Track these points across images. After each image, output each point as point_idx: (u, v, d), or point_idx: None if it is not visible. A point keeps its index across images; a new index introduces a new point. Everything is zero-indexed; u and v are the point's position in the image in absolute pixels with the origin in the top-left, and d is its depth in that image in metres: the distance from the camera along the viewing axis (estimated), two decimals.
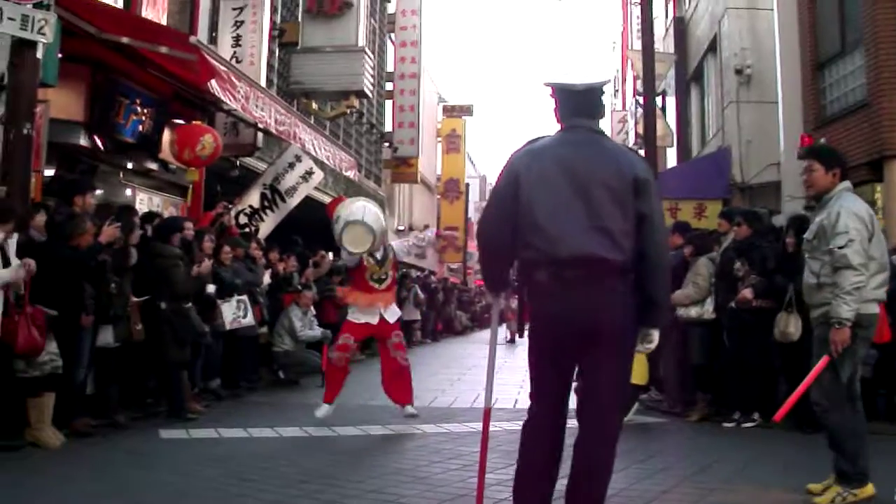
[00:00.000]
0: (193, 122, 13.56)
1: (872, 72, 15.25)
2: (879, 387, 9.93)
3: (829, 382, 6.15)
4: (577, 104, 4.70)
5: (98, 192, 9.93)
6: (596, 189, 4.44)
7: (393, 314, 10.06)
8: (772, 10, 20.16)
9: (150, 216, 11.34)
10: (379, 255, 10.02)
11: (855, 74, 16.25)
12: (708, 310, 10.35)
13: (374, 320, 9.82)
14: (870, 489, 5.99)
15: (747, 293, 9.60)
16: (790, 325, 8.97)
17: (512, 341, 27.59)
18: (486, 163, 71.65)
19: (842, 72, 16.81)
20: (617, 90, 44.36)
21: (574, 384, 4.68)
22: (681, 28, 27.75)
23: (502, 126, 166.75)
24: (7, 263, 7.55)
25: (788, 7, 18.74)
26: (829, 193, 6.40)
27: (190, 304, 10.33)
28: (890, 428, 9.53)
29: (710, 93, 25.40)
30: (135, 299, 9.47)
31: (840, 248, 6.06)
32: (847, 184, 6.42)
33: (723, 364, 10.28)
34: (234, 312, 11.85)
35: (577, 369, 4.62)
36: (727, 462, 7.76)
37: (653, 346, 4.77)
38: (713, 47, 24.16)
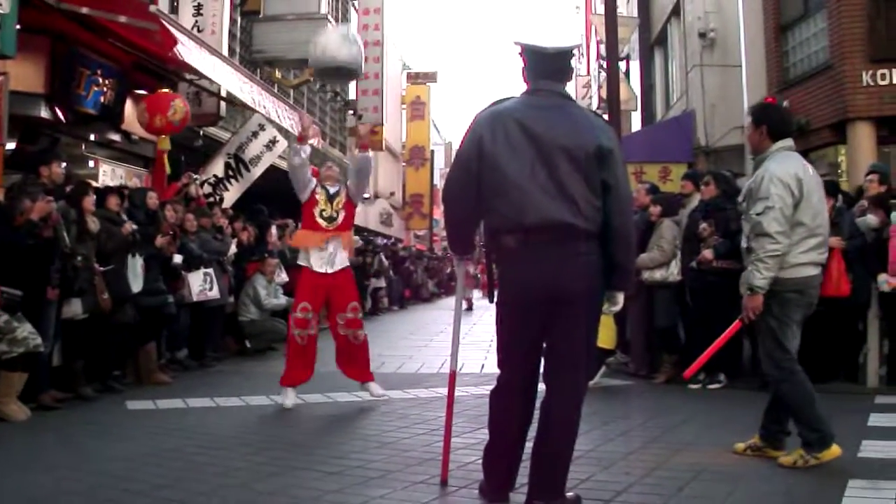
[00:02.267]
0: (160, 90, 13.47)
1: (835, 34, 15.40)
2: (841, 346, 10.02)
3: (776, 350, 6.14)
4: (546, 67, 4.72)
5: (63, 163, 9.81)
6: (559, 156, 4.46)
7: (342, 260, 9.15)
8: None
9: (121, 187, 11.31)
10: (332, 189, 9.29)
11: (818, 37, 16.38)
12: (673, 272, 10.43)
13: (328, 268, 9.00)
14: (835, 450, 5.96)
15: (707, 254, 9.68)
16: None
17: (469, 309, 27.75)
18: (451, 129, 71.57)
19: (805, 34, 16.94)
20: (581, 55, 44.32)
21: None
22: None
23: (467, 92, 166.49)
24: None
25: None
26: (763, 153, 6.35)
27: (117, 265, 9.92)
28: (853, 387, 9.66)
29: (674, 57, 25.45)
30: (99, 268, 9.42)
31: (758, 214, 6.00)
32: (784, 143, 6.31)
33: (687, 325, 10.37)
34: (201, 285, 11.83)
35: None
36: (693, 423, 7.84)
37: (618, 307, 4.87)
38: (677, 11, 24.17)
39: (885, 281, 9.36)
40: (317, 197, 9.19)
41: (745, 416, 7.30)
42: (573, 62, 4.86)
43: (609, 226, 4.51)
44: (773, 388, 6.34)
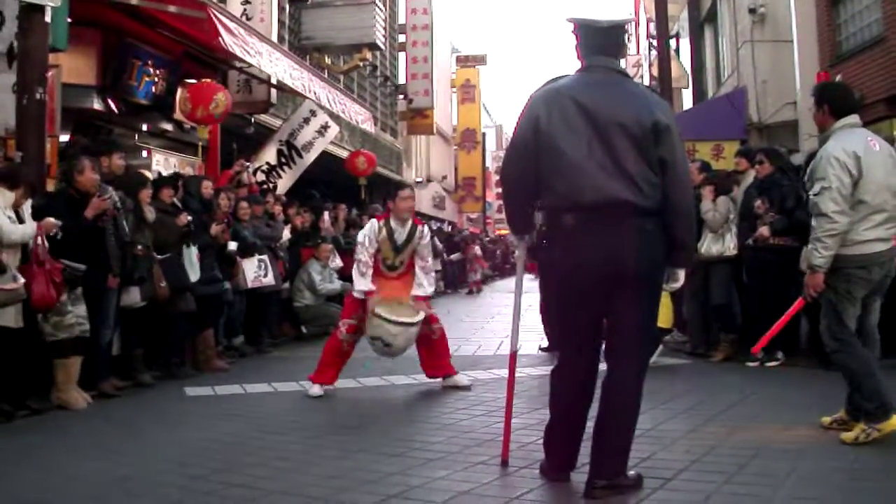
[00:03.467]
0: (204, 80, 13.51)
1: (889, 6, 15.21)
2: None
3: (834, 325, 6.13)
4: (600, 42, 4.70)
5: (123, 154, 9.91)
6: (616, 133, 4.44)
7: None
8: None
9: (175, 177, 11.38)
10: (400, 234, 8.62)
11: (870, 9, 16.18)
12: (729, 246, 10.30)
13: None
14: (894, 422, 5.90)
15: (764, 231, 9.58)
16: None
17: (471, 292, 28.42)
18: (501, 112, 71.58)
19: (857, 7, 16.74)
20: (630, 34, 44.05)
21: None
22: None
23: (517, 74, 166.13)
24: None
25: None
26: (826, 132, 6.31)
27: (174, 255, 9.94)
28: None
29: (724, 33, 25.24)
30: (157, 257, 9.48)
31: (815, 195, 6.01)
32: (846, 120, 6.23)
33: (744, 303, 10.27)
34: (256, 271, 11.87)
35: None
36: (752, 401, 7.76)
37: (679, 284, 4.87)
38: None
39: None
40: (381, 245, 8.61)
41: (804, 393, 7.26)
42: (626, 38, 4.81)
43: (668, 202, 4.48)
44: (833, 360, 6.31)
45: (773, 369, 9.54)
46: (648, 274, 4.54)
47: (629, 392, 4.59)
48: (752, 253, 9.86)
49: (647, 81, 32.08)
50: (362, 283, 8.44)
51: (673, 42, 27.88)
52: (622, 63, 4.85)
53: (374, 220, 8.79)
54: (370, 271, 8.51)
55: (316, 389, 8.46)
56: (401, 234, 8.60)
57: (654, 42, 22.13)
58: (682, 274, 4.86)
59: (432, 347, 8.76)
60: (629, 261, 4.44)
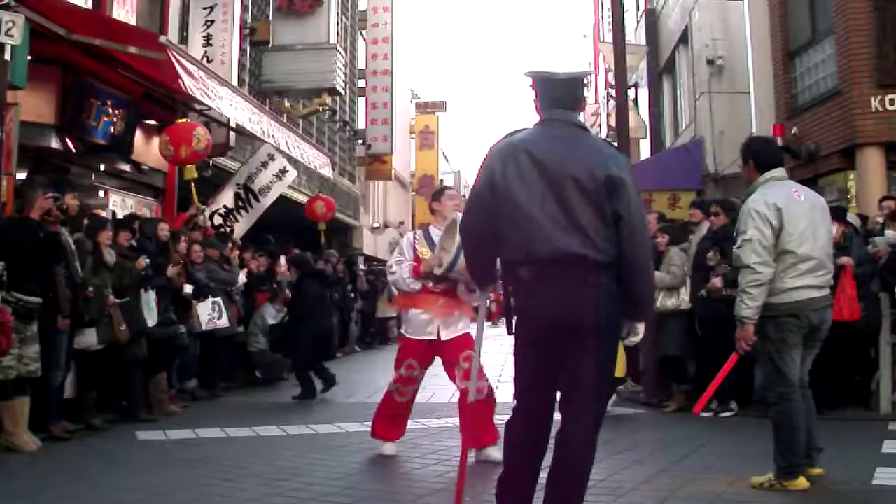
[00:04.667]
0: (179, 120, 13.48)
1: (843, 60, 15.44)
2: (854, 372, 10.01)
3: (773, 377, 6.37)
4: (557, 96, 4.71)
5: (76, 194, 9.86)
6: (569, 186, 4.44)
7: (450, 328, 7.62)
8: (742, 1, 20.30)
9: (131, 218, 11.34)
10: (436, 236, 7.55)
11: (826, 63, 16.42)
12: (684, 300, 10.40)
13: (433, 334, 7.63)
14: (802, 482, 6.10)
15: (717, 282, 9.67)
16: None
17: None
18: (460, 158, 71.26)
19: (813, 60, 16.98)
20: (589, 83, 44.46)
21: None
22: (652, 20, 27.91)
23: (476, 121, 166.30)
24: None
25: None
26: (752, 186, 6.60)
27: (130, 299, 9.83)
28: (866, 414, 9.64)
29: (683, 84, 25.56)
30: (115, 300, 9.42)
31: (737, 248, 6.30)
32: (771, 173, 6.51)
33: (698, 354, 10.34)
34: (210, 314, 11.83)
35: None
36: (705, 452, 7.82)
37: (638, 338, 4.89)
38: (684, 39, 24.32)
39: None
40: (420, 253, 7.70)
41: (757, 443, 7.27)
42: (583, 91, 4.86)
43: (624, 257, 4.48)
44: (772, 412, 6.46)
45: (727, 419, 9.61)
46: (604, 328, 4.52)
47: (583, 445, 4.56)
48: (704, 304, 9.95)
49: (605, 131, 32.37)
50: (405, 273, 7.61)
51: (631, 92, 28.12)
52: (580, 116, 4.89)
53: (408, 233, 8.24)
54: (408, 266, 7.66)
55: (387, 449, 7.74)
56: (437, 234, 7.47)
57: (613, 92, 22.35)
58: (641, 328, 4.86)
59: (473, 409, 6.88)
60: (584, 315, 4.43)
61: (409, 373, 7.73)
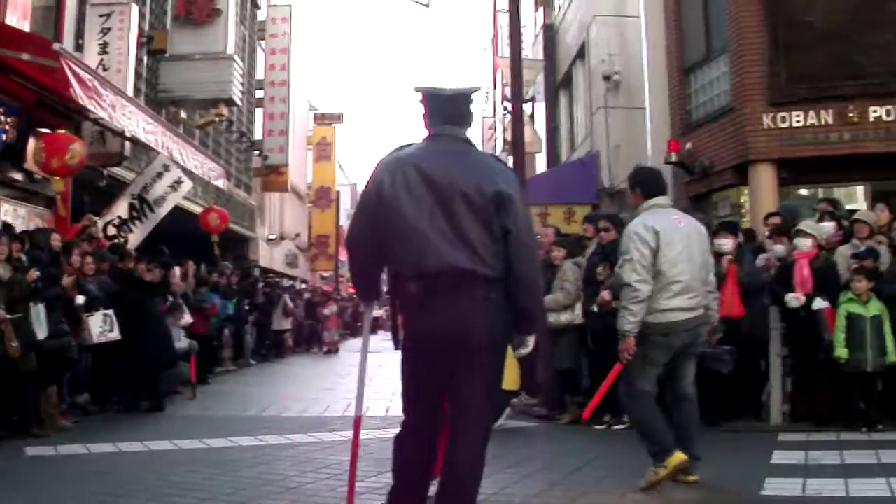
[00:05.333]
0: (59, 130, 13.28)
1: (737, 77, 15.85)
2: (746, 385, 10.25)
3: (626, 383, 6.86)
4: (446, 111, 4.77)
5: None
6: (457, 201, 4.51)
7: None
8: (639, 17, 20.65)
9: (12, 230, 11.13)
10: None
11: (720, 80, 16.82)
12: (578, 315, 10.53)
13: None
14: (678, 456, 6.46)
15: (605, 295, 9.84)
16: None
17: (330, 352, 28.31)
18: (357, 170, 71.29)
19: (707, 77, 17.37)
20: (488, 96, 44.72)
21: None
22: (550, 35, 28.21)
23: (374, 133, 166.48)
24: None
25: (655, 14, 19.28)
26: (636, 211, 7.08)
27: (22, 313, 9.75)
28: (757, 425, 9.89)
29: (579, 99, 25.88)
30: (6, 316, 9.24)
31: (619, 267, 6.75)
32: (654, 201, 6.96)
33: (591, 367, 10.48)
34: (101, 326, 11.63)
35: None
36: (597, 464, 7.91)
37: (527, 351, 4.99)
38: (582, 54, 24.64)
39: (794, 298, 9.75)
40: None
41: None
42: (473, 106, 4.91)
43: (512, 271, 4.55)
44: (675, 417, 6.86)
45: (620, 432, 9.73)
46: (492, 343, 4.59)
47: (472, 459, 4.62)
48: (596, 318, 10.09)
49: (500, 145, 32.56)
50: None
51: (529, 106, 28.41)
52: (470, 131, 4.95)
53: None
54: None
55: None
56: None
57: (509, 105, 22.52)
58: (530, 341, 4.94)
59: None
60: (472, 329, 4.49)
61: None
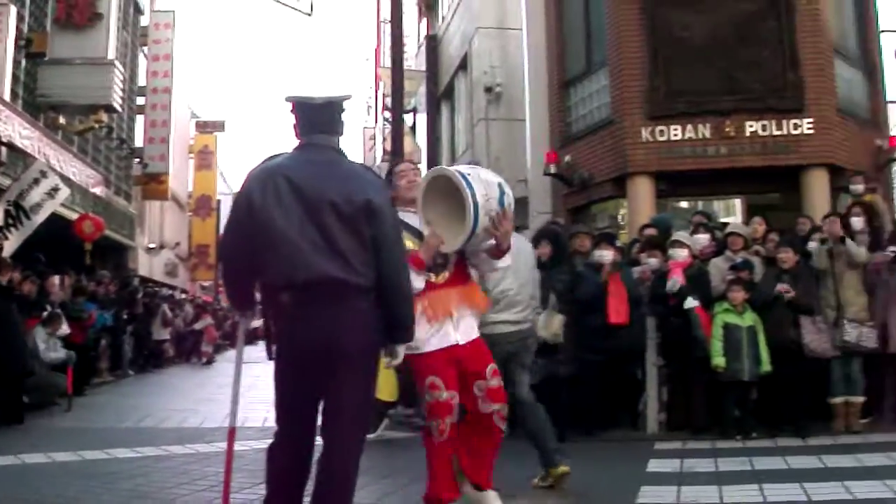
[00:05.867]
0: None
1: (616, 91, 16.13)
2: (622, 395, 10.42)
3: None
4: (316, 120, 4.79)
5: None
6: (326, 211, 4.53)
7: (465, 327, 5.99)
8: (521, 30, 20.85)
9: None
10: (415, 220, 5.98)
11: (599, 93, 17.12)
12: None
13: (451, 337, 5.88)
14: (563, 468, 6.88)
15: None
16: (554, 325, 9.47)
17: (208, 362, 28.08)
18: (238, 179, 70.65)
19: (587, 90, 17.65)
20: (370, 107, 44.75)
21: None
22: (433, 46, 28.32)
23: (257, 142, 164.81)
24: None
25: (537, 27, 19.53)
26: None
27: None
28: (633, 434, 10.07)
29: (461, 110, 26.06)
30: None
31: None
32: None
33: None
34: None
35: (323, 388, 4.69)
36: None
37: (398, 361, 4.95)
38: (464, 65, 24.81)
39: (675, 281, 10.06)
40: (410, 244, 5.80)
41: (526, 464, 7.50)
42: (344, 115, 4.93)
43: (382, 281, 4.61)
44: (524, 427, 7.22)
45: (504, 442, 9.80)
46: (364, 352, 4.64)
47: (344, 469, 4.65)
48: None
49: (380, 154, 32.58)
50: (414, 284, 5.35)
51: (410, 117, 28.50)
52: (342, 140, 4.97)
53: None
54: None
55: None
56: (413, 217, 5.95)
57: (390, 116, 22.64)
58: (401, 350, 4.96)
59: (483, 433, 6.18)
60: (344, 339, 4.52)
61: (434, 396, 5.74)
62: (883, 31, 19.49)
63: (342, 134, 4.93)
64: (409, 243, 5.62)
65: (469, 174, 5.54)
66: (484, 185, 5.54)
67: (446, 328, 5.85)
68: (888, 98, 19.76)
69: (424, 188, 5.83)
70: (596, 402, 9.94)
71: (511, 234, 5.92)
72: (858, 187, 12.21)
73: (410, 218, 5.88)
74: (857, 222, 10.43)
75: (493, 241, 5.77)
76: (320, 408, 4.72)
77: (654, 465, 8.15)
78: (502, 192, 5.64)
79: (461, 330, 5.91)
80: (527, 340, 7.23)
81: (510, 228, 5.80)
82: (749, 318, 9.73)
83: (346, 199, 4.55)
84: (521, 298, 7.10)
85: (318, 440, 4.73)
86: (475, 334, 6.04)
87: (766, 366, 9.61)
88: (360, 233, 4.56)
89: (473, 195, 5.46)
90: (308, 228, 4.52)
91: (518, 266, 6.96)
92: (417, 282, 5.45)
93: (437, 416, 5.72)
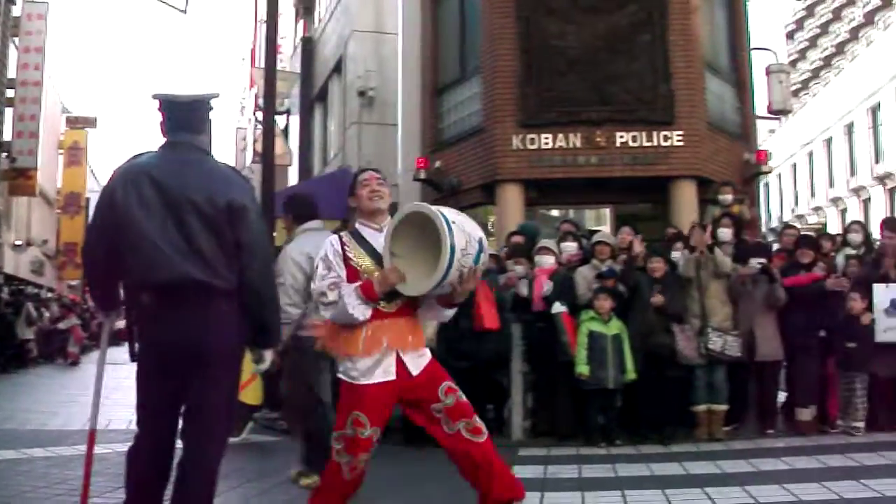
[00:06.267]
0: None
1: (488, 99, 16.21)
2: (487, 401, 10.47)
3: (296, 391, 7.28)
4: (182, 119, 4.71)
5: None
6: (188, 212, 4.47)
7: (419, 359, 5.22)
8: (397, 34, 20.85)
9: None
10: (379, 245, 5.21)
11: (471, 100, 17.19)
12: None
13: (391, 372, 5.12)
14: (314, 479, 6.74)
15: None
16: (428, 331, 9.50)
17: (74, 363, 27.60)
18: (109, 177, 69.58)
19: (460, 97, 17.69)
20: (244, 107, 44.41)
21: None
22: (309, 48, 28.09)
23: (129, 139, 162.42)
24: None
25: (412, 32, 19.56)
26: (291, 235, 7.57)
27: None
28: (499, 440, 10.09)
29: (334, 113, 25.95)
30: None
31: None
32: (306, 225, 7.43)
33: (335, 382, 10.52)
34: None
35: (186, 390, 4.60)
36: None
37: (265, 366, 4.93)
38: (339, 68, 24.71)
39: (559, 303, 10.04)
40: (355, 264, 5.16)
41: (394, 469, 7.52)
42: (211, 114, 4.86)
43: (246, 283, 4.56)
44: (306, 423, 7.27)
45: None
46: (225, 355, 4.57)
47: (206, 473, 4.60)
48: None
49: (250, 156, 32.33)
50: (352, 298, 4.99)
51: (284, 119, 28.33)
52: (207, 140, 4.86)
53: (328, 240, 5.39)
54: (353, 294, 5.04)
55: None
56: (375, 235, 5.28)
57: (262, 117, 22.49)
58: (268, 354, 4.94)
59: (473, 458, 5.34)
60: (206, 342, 4.47)
61: (357, 431, 5.03)
62: (754, 49, 20.03)
63: (209, 133, 4.86)
64: (364, 261, 5.13)
65: (454, 222, 4.93)
66: (466, 237, 4.94)
67: (389, 360, 5.08)
68: (757, 113, 20.32)
69: (400, 219, 5.12)
70: None
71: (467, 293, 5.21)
72: (727, 197, 12.42)
73: (369, 233, 5.29)
74: (726, 234, 10.63)
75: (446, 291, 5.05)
76: (182, 410, 4.64)
77: (519, 472, 8.08)
78: (480, 250, 5.05)
79: (411, 361, 5.16)
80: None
81: (472, 288, 5.26)
82: (615, 327, 9.81)
83: (207, 200, 4.48)
84: None
85: (180, 443, 4.65)
86: (426, 360, 5.27)
87: (631, 374, 9.73)
88: (222, 235, 4.50)
89: (453, 246, 4.81)
90: (170, 229, 4.45)
91: None
92: (360, 311, 4.97)
93: (353, 453, 5.05)
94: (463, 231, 4.92)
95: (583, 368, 9.64)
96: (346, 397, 5.10)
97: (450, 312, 5.33)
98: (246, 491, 7.15)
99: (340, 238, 5.28)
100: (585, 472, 8.18)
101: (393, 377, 5.06)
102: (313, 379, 7.04)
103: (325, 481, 5.29)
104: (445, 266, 4.75)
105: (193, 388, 4.54)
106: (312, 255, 6.55)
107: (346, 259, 5.11)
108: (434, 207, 5.01)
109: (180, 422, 4.67)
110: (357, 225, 5.38)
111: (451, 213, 5.04)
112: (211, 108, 4.84)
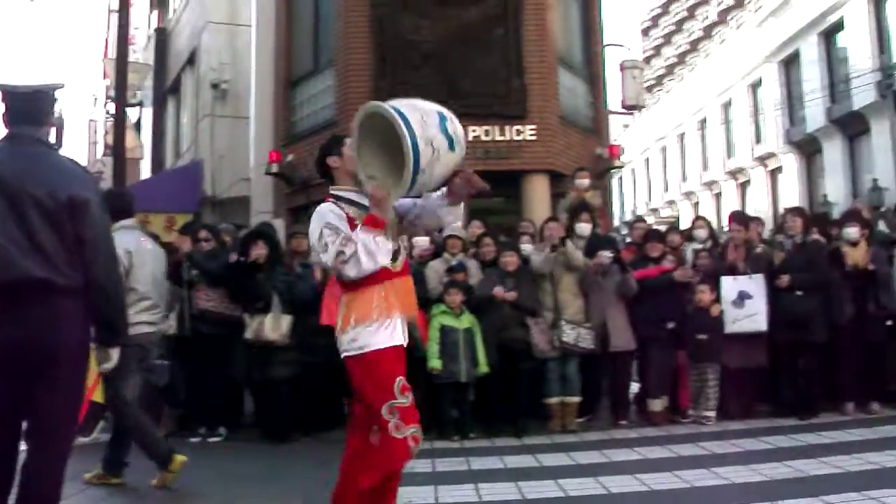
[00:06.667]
0: None
1: (341, 92, 16.07)
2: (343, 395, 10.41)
3: (118, 396, 7.05)
4: (23, 109, 4.55)
5: None
6: (29, 207, 4.30)
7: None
8: (250, 26, 20.60)
9: None
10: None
11: (325, 93, 17.01)
12: (172, 325, 10.21)
13: (398, 335, 5.05)
14: (180, 458, 7.04)
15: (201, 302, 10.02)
16: (282, 327, 9.71)
17: None
18: None
19: (313, 90, 17.52)
20: (97, 98, 43.46)
21: None
22: (162, 39, 27.64)
23: None
24: None
25: (266, 25, 19.36)
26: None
27: None
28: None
29: (187, 106, 25.57)
30: None
31: None
32: (123, 222, 7.26)
33: (188, 378, 10.30)
34: None
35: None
36: (189, 477, 7.72)
37: (111, 364, 4.85)
38: (192, 60, 24.36)
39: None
40: (358, 221, 5.04)
41: (251, 465, 7.42)
42: (55, 105, 4.71)
43: (89, 280, 4.43)
44: (115, 425, 7.31)
45: (216, 444, 9.71)
46: (70, 354, 4.42)
47: (51, 475, 4.46)
48: (194, 329, 10.12)
49: (101, 149, 31.66)
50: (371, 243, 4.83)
51: (136, 111, 27.83)
52: (50, 132, 4.72)
53: (324, 208, 5.30)
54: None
55: None
56: (363, 199, 5.18)
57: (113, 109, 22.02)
58: (115, 353, 4.83)
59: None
60: (49, 341, 4.31)
61: (409, 397, 4.91)
62: (608, 45, 20.30)
63: (52, 125, 4.73)
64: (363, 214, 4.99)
65: (400, 105, 4.88)
66: (420, 112, 4.83)
67: (395, 323, 4.98)
68: (610, 108, 20.61)
69: (357, 137, 5.17)
70: (318, 403, 10.00)
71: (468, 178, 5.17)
72: (584, 181, 12.44)
73: (354, 195, 5.29)
74: (584, 228, 10.72)
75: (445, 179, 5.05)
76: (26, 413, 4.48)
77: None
78: (443, 118, 4.95)
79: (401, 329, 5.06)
80: (153, 343, 7.53)
81: (461, 164, 5.17)
82: (466, 321, 9.85)
83: (48, 195, 4.33)
84: (160, 301, 7.56)
85: (23, 445, 4.52)
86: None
87: (484, 367, 9.76)
88: (64, 230, 4.36)
89: (407, 122, 4.70)
90: (10, 225, 4.28)
91: (156, 269, 7.51)
92: (381, 243, 4.84)
93: (413, 421, 4.87)
94: (414, 107, 4.89)
95: (434, 363, 9.64)
96: (380, 367, 4.87)
97: (460, 211, 5.27)
98: (95, 493, 6.98)
99: (332, 205, 5.25)
100: (439, 465, 8.21)
101: (398, 342, 5.00)
102: (119, 380, 6.83)
103: (377, 460, 4.96)
104: (410, 146, 4.63)
105: (38, 388, 4.38)
106: (132, 250, 7.00)
107: (348, 218, 5.05)
108: (377, 102, 5.00)
109: (23, 424, 4.51)
110: (338, 192, 5.40)
111: (398, 101, 4.99)
112: (55, 100, 4.69)
